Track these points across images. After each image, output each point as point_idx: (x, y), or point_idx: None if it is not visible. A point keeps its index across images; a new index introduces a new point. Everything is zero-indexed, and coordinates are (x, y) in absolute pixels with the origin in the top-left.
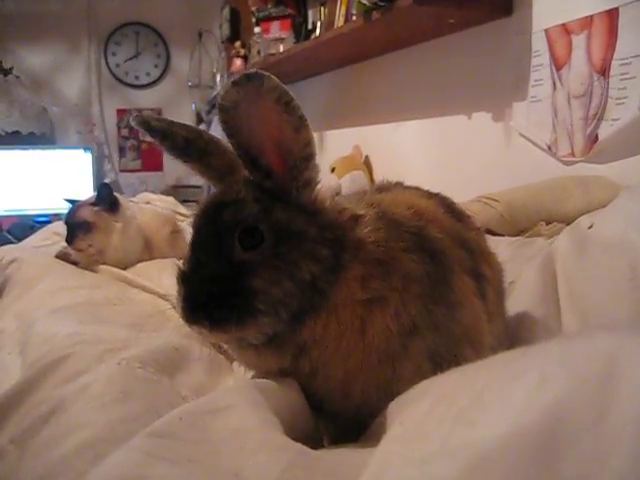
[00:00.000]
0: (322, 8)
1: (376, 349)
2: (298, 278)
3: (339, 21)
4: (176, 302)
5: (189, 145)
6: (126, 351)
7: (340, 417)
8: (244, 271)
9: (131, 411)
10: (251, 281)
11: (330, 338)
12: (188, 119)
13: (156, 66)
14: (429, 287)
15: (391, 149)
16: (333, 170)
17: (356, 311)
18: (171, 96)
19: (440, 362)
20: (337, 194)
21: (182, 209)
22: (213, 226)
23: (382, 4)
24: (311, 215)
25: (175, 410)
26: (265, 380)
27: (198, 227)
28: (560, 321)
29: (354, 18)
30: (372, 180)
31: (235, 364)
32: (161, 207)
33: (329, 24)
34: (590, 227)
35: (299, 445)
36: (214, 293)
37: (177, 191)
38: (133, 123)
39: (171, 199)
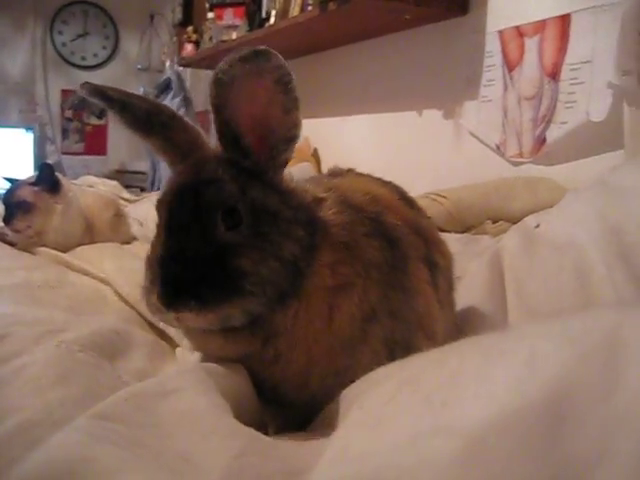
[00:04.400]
0: None
1: (341, 336)
2: (282, 258)
3: (294, 10)
4: (148, 288)
5: (151, 118)
6: (65, 333)
7: (291, 405)
8: (229, 252)
9: (70, 394)
10: (239, 262)
11: (300, 324)
12: None
13: (104, 47)
14: (387, 273)
15: (340, 142)
16: None
17: (325, 298)
18: (119, 79)
19: (394, 348)
20: None
21: (126, 194)
22: (192, 207)
23: None
24: (283, 195)
25: (120, 392)
26: (213, 364)
27: (172, 209)
28: (507, 318)
29: (310, 8)
30: (320, 172)
31: (178, 350)
32: (104, 191)
33: (284, 13)
34: (537, 227)
35: (251, 430)
36: (201, 274)
37: (121, 176)
38: (84, 92)
39: (115, 183)
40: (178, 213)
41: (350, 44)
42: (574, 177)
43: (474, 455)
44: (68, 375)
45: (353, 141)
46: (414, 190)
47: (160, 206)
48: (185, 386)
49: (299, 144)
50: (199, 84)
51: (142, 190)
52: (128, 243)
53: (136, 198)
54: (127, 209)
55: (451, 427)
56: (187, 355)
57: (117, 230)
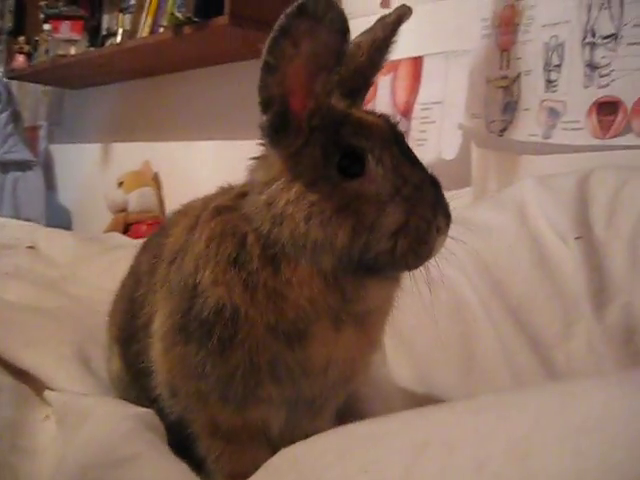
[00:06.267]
0: (121, 15)
1: None
2: None
3: (144, 31)
4: (428, 204)
5: None
6: None
7: None
8: None
9: None
10: None
11: None
12: None
13: None
14: None
15: (184, 168)
16: (121, 184)
17: None
18: None
19: None
20: (122, 210)
21: None
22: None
23: (196, 20)
24: None
25: (66, 463)
26: (147, 414)
27: (401, 143)
28: (384, 349)
29: (161, 30)
30: (161, 198)
31: (50, 394)
32: None
33: (132, 33)
34: None
35: None
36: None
37: None
38: None
39: None
40: (408, 149)
41: (201, 68)
42: None
43: None
44: None
45: (199, 168)
46: None
47: (384, 137)
48: (139, 452)
49: (140, 168)
50: (27, 98)
51: None
52: None
53: None
54: None
55: None
56: (68, 400)
57: None
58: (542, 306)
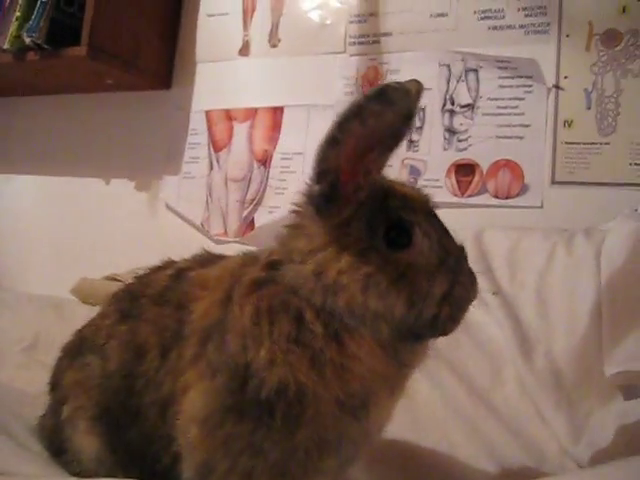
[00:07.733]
0: None
1: None
2: None
3: None
4: (466, 274)
5: None
6: None
7: None
8: None
9: None
10: None
11: None
12: None
13: None
14: None
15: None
16: None
17: None
18: None
19: None
20: None
21: None
22: None
23: (47, 47)
24: None
25: None
26: None
27: (436, 215)
28: None
29: None
30: None
31: None
32: None
33: None
34: None
35: None
36: None
37: None
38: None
39: None
40: (441, 220)
41: (35, 95)
42: None
43: None
44: None
45: (19, 204)
46: (107, 263)
47: (426, 210)
48: None
49: None
50: None
51: None
52: None
53: None
54: None
55: None
56: None
57: None
58: (470, 355)
